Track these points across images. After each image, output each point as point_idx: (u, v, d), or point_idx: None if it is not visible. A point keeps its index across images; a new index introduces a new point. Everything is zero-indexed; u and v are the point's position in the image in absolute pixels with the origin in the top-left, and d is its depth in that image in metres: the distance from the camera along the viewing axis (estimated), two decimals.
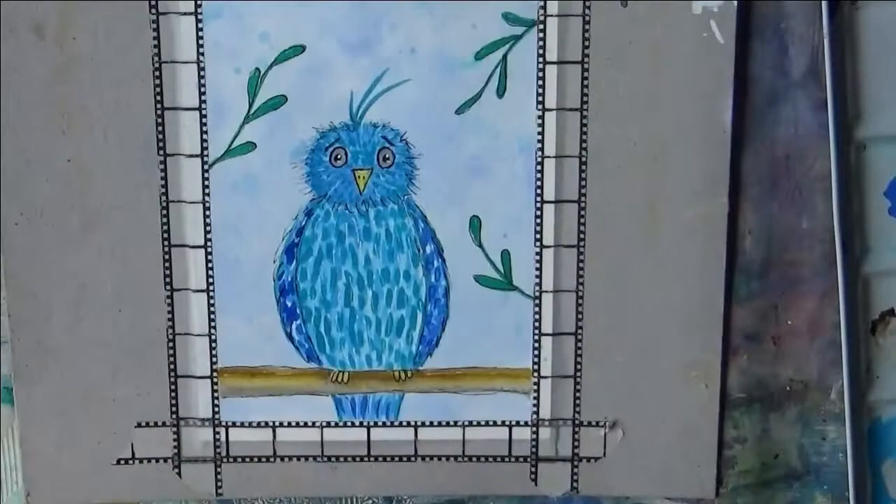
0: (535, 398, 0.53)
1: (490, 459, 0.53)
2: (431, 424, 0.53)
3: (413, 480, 0.53)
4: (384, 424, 0.53)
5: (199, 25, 0.49)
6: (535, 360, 0.52)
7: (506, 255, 0.51)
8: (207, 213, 0.51)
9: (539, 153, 0.51)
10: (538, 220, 0.51)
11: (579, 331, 0.52)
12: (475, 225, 0.51)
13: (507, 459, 0.53)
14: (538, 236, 0.51)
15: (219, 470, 0.53)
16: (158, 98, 0.50)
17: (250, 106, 0.50)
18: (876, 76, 0.51)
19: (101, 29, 0.49)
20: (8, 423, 0.52)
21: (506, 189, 0.51)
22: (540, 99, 0.50)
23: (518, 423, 0.53)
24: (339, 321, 0.52)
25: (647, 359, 0.52)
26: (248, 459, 0.53)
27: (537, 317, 0.52)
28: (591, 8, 0.49)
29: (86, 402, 0.52)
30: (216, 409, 0.53)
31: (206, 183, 0.51)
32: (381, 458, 0.53)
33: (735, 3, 0.49)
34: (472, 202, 0.51)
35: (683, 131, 0.50)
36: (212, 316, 0.52)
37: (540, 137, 0.50)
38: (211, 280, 0.51)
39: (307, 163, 0.50)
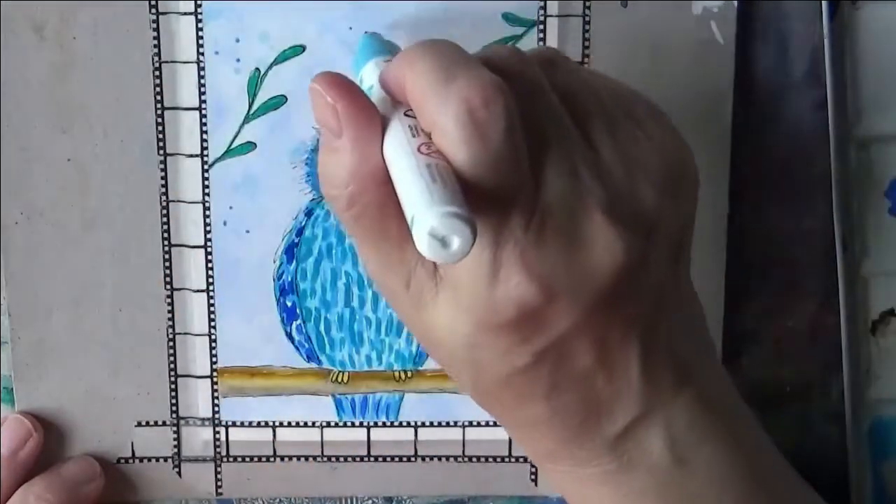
0: None
1: (490, 459, 0.53)
2: (431, 424, 0.53)
3: (413, 480, 0.53)
4: (384, 424, 0.53)
5: (199, 25, 0.49)
6: None
7: None
8: (207, 213, 0.51)
9: None
10: None
11: None
12: None
13: (507, 459, 0.53)
14: None
15: (219, 469, 0.53)
16: (158, 98, 0.50)
17: (250, 106, 0.50)
18: (876, 76, 0.51)
19: (101, 29, 0.49)
20: None
21: None
22: None
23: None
24: (339, 321, 0.52)
25: None
26: (248, 459, 0.53)
27: None
28: (591, 8, 0.49)
29: (86, 402, 0.52)
30: (216, 408, 0.53)
31: (206, 183, 0.51)
32: (381, 458, 0.53)
33: (735, 3, 0.49)
34: None
35: (683, 131, 0.50)
36: (212, 316, 0.52)
37: None
38: (211, 280, 0.51)
39: (307, 163, 0.50)
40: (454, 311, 0.37)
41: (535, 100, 0.38)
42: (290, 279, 0.51)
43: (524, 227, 0.36)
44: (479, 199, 0.35)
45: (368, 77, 0.42)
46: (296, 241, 0.51)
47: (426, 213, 0.33)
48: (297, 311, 0.52)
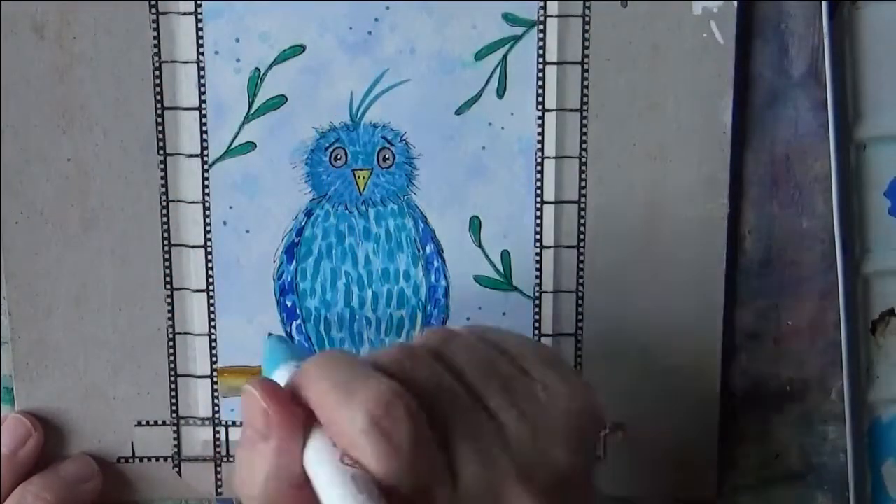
0: None
1: None
2: None
3: None
4: None
5: (199, 25, 0.49)
6: None
7: (506, 255, 0.51)
8: (207, 213, 0.51)
9: (539, 153, 0.51)
10: (538, 221, 0.51)
11: (579, 331, 0.52)
12: (475, 225, 0.51)
13: None
14: (538, 237, 0.51)
15: (219, 469, 0.53)
16: (158, 98, 0.50)
17: (250, 106, 0.50)
18: (876, 76, 0.51)
19: (101, 29, 0.49)
20: None
21: (506, 189, 0.51)
22: (540, 99, 0.50)
23: None
24: (338, 321, 0.52)
25: (647, 359, 0.52)
26: None
27: (537, 317, 0.52)
28: (591, 8, 0.49)
29: (86, 401, 0.52)
30: (216, 408, 0.53)
31: (206, 183, 0.51)
32: None
33: (735, 3, 0.49)
34: (472, 202, 0.51)
35: (683, 131, 0.50)
36: (212, 316, 0.52)
37: (540, 138, 0.50)
38: (211, 280, 0.51)
39: (307, 163, 0.50)
40: None
41: (434, 392, 0.39)
42: (290, 279, 0.51)
43: None
44: (402, 499, 0.36)
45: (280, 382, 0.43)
46: (296, 241, 0.51)
47: None
48: (297, 311, 0.52)
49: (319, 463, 0.38)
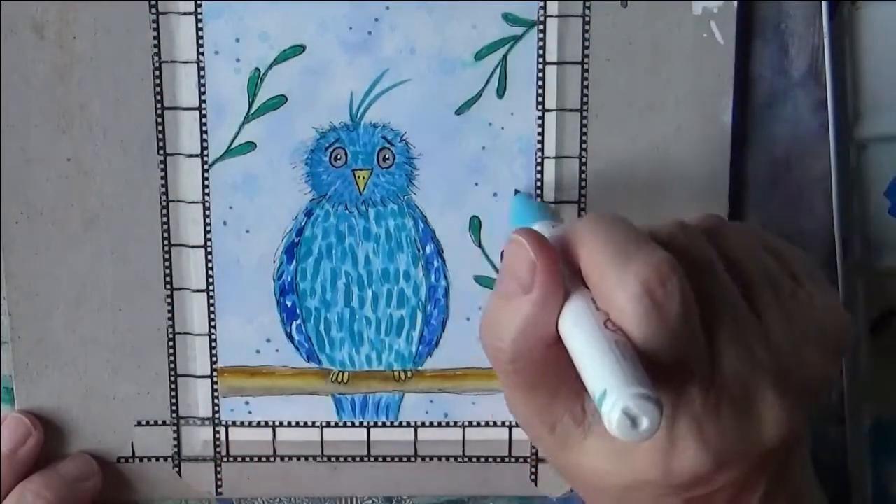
0: None
1: (490, 460, 0.53)
2: (431, 425, 0.53)
3: (413, 480, 0.53)
4: (384, 424, 0.53)
5: (199, 25, 0.49)
6: None
7: None
8: (207, 213, 0.51)
9: (539, 153, 0.51)
10: None
11: None
12: (475, 225, 0.51)
13: (507, 460, 0.53)
14: None
15: (219, 469, 0.53)
16: (158, 98, 0.50)
17: (250, 106, 0.50)
18: (876, 76, 0.51)
19: (101, 29, 0.49)
20: None
21: (506, 189, 0.51)
22: (540, 99, 0.50)
23: (518, 424, 0.53)
24: (338, 321, 0.52)
25: None
26: (248, 459, 0.53)
27: None
28: (591, 8, 0.49)
29: (86, 401, 0.52)
30: (216, 408, 0.53)
31: (206, 183, 0.51)
32: (381, 458, 0.53)
33: (735, 3, 0.49)
34: (472, 202, 0.51)
35: (683, 131, 0.50)
36: (212, 316, 0.52)
37: (540, 138, 0.50)
38: (211, 280, 0.51)
39: (307, 163, 0.50)
40: (606, 459, 0.38)
41: (705, 274, 0.38)
42: (290, 279, 0.51)
43: (702, 402, 0.37)
44: (657, 374, 0.36)
45: None
46: (296, 241, 0.51)
47: (620, 392, 0.33)
48: (297, 311, 0.52)
49: (578, 324, 0.37)
